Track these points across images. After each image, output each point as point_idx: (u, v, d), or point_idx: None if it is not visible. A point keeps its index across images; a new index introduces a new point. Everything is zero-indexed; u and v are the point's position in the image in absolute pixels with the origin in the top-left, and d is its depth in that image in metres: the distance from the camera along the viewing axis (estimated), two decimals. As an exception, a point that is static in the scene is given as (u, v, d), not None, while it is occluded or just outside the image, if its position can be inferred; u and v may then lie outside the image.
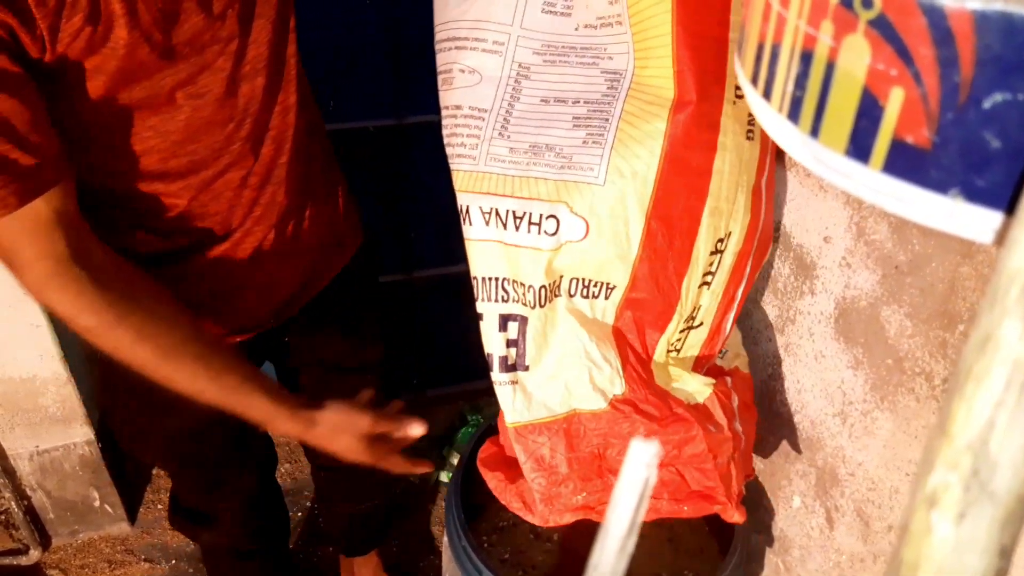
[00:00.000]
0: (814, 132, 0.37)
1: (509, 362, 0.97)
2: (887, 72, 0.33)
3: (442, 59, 0.96)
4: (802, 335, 1.07)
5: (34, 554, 1.70)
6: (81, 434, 1.62)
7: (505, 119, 0.93)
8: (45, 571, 1.71)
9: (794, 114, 0.38)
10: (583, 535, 1.02)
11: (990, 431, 0.25)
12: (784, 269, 1.09)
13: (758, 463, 1.24)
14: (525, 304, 0.95)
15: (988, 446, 0.25)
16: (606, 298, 0.96)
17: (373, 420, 0.92)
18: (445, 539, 1.16)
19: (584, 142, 0.91)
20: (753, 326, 1.19)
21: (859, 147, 0.35)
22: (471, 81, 0.95)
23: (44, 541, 1.74)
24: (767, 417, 1.18)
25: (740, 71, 0.43)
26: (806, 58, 0.36)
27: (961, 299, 0.79)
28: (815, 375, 1.06)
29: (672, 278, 0.95)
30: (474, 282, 0.95)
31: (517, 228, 0.92)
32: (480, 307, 0.95)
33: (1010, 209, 0.31)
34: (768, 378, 1.17)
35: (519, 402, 0.97)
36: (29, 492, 1.66)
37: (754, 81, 0.40)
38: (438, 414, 1.94)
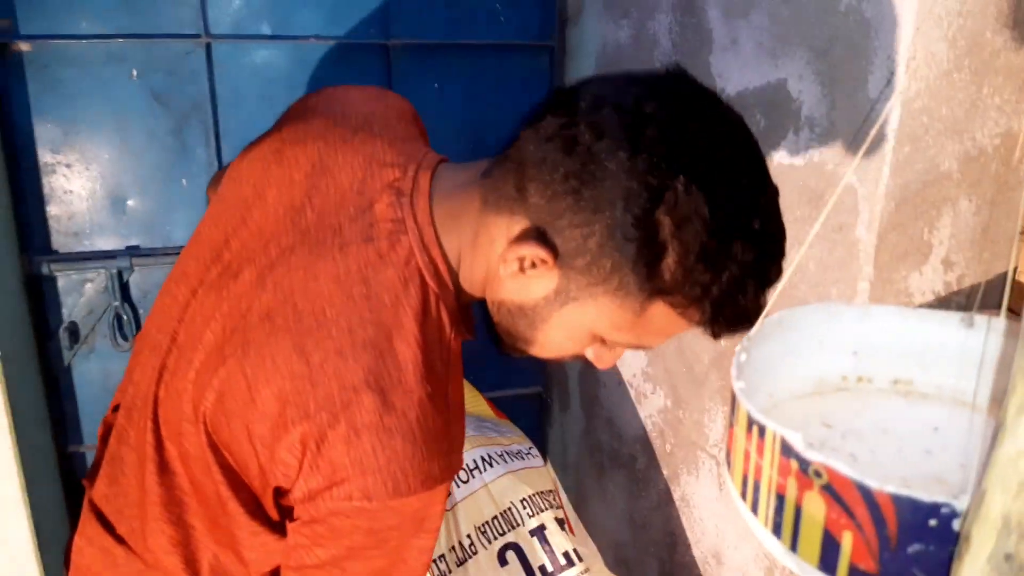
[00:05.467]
0: (793, 548, 0.51)
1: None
2: (839, 520, 0.48)
3: None
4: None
5: None
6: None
7: None
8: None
9: (776, 531, 0.52)
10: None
11: None
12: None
13: None
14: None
15: None
16: None
17: None
18: None
19: None
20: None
21: (827, 565, 0.49)
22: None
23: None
24: None
25: (730, 482, 0.57)
26: (780, 498, 0.51)
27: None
28: None
29: None
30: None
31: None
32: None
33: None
34: None
35: None
36: None
37: (743, 496, 0.55)
38: None
